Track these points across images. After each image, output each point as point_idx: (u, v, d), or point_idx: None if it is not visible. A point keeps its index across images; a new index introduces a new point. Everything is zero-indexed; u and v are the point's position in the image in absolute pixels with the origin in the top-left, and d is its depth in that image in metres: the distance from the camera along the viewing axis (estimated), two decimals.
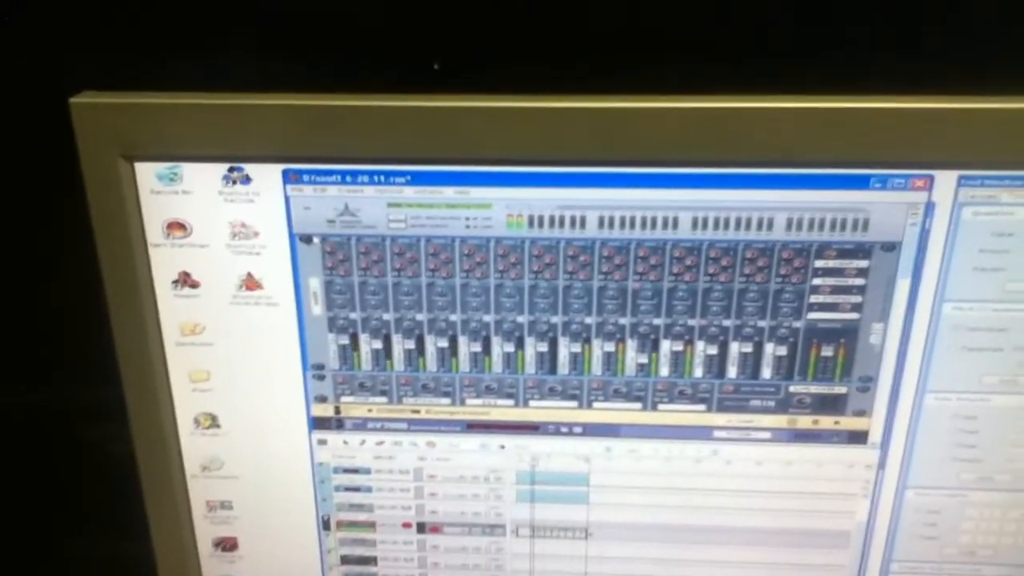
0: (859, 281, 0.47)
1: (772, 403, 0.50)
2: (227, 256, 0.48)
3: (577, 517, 0.54)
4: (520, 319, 0.49)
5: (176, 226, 0.47)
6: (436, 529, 0.55)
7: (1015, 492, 0.51)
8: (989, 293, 0.47)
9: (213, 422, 0.52)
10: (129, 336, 0.49)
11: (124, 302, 0.48)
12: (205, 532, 0.55)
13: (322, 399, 0.51)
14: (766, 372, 0.49)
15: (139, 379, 0.50)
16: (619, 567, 0.55)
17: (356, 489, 0.54)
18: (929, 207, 0.45)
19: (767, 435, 0.51)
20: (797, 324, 0.48)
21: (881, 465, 0.51)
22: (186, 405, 0.52)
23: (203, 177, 0.46)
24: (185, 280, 0.48)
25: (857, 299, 0.47)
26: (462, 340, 0.50)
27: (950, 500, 0.52)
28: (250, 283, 0.48)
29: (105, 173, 0.46)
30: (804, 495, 0.52)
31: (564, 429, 0.52)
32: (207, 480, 0.53)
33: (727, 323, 0.48)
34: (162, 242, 0.48)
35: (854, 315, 0.48)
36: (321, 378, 0.51)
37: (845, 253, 0.46)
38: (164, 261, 0.48)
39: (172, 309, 0.49)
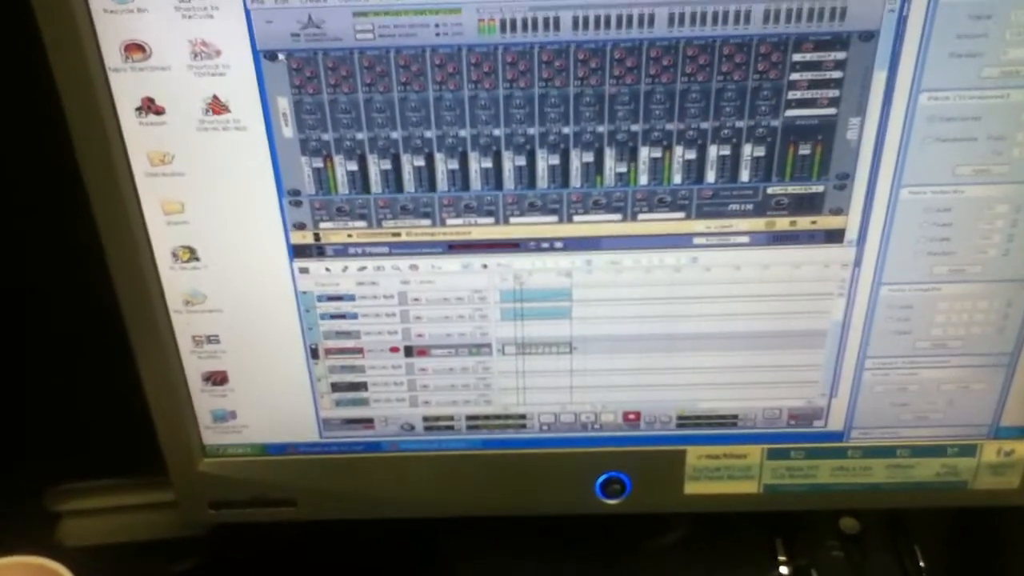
0: (836, 74, 0.47)
1: (750, 206, 0.50)
2: (190, 78, 0.46)
3: (561, 332, 0.55)
4: (497, 132, 0.48)
5: (134, 47, 0.45)
6: (423, 352, 0.55)
7: (985, 283, 0.52)
8: (964, 81, 0.47)
9: (192, 255, 0.51)
10: (98, 168, 0.48)
11: (88, 132, 0.47)
12: (194, 367, 0.55)
13: (300, 226, 0.51)
14: (744, 174, 0.49)
15: (112, 213, 0.49)
16: (603, 379, 0.56)
17: (341, 316, 0.54)
18: None
19: (746, 239, 0.51)
20: (775, 123, 0.48)
21: (857, 263, 0.52)
22: (162, 238, 0.51)
23: None
24: (149, 106, 0.47)
25: (834, 93, 0.47)
26: (439, 157, 0.49)
27: (923, 294, 0.53)
28: (216, 106, 0.47)
29: None
30: (782, 297, 0.53)
31: (545, 244, 0.52)
32: (191, 315, 0.53)
33: (705, 125, 0.48)
34: (121, 66, 0.46)
35: (831, 110, 0.48)
36: (298, 204, 0.50)
37: (823, 45, 0.46)
38: (125, 87, 0.46)
39: (138, 138, 0.48)
